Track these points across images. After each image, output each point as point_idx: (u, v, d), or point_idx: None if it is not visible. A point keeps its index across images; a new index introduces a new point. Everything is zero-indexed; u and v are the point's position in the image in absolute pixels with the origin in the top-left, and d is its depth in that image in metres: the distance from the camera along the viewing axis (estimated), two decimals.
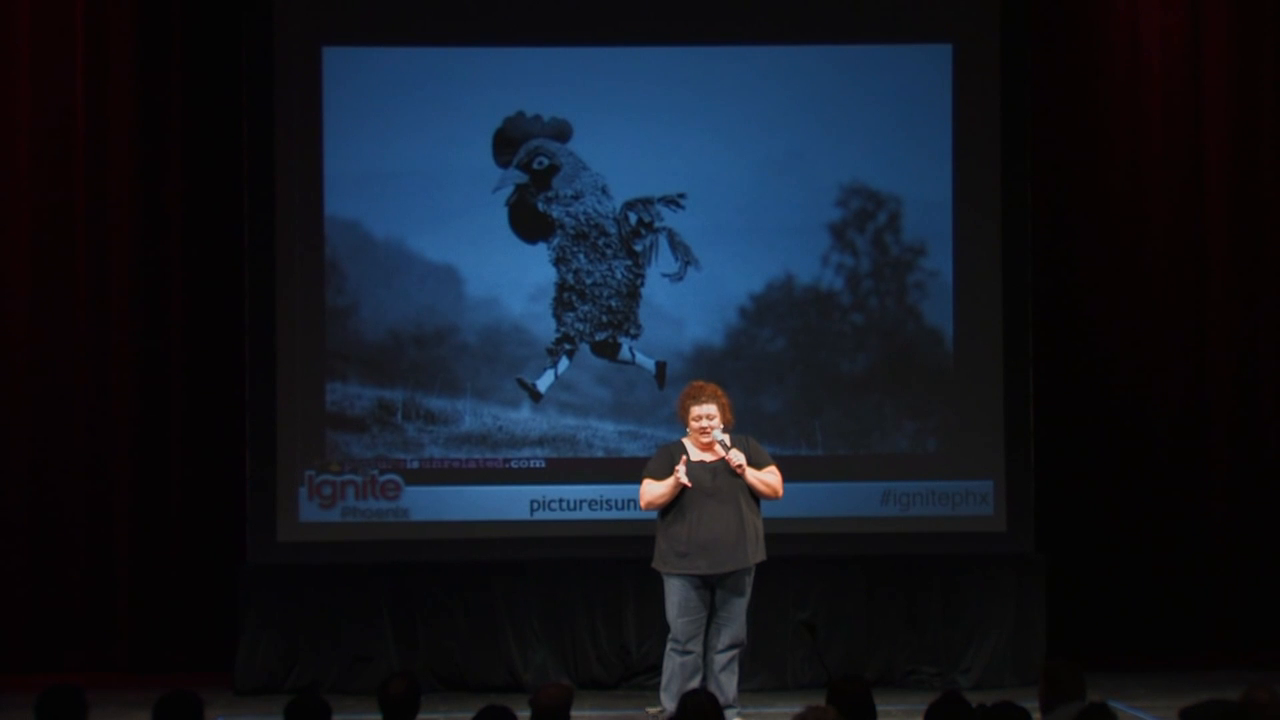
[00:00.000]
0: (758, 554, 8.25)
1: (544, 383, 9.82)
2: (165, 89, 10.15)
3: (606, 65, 9.86)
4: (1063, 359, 10.41)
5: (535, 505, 9.75)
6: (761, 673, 9.67)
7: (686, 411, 8.28)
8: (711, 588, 8.23)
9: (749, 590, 8.28)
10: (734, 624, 8.24)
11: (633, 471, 9.22)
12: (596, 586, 9.70)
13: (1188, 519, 10.48)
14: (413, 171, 9.78)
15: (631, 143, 9.82)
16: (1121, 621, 10.36)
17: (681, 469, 8.15)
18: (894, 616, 9.79)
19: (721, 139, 9.84)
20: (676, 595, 8.22)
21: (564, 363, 9.83)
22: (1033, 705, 5.67)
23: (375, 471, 9.73)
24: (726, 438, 8.24)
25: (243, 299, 9.77)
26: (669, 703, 8.16)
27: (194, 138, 10.15)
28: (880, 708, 5.68)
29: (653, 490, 8.25)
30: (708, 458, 8.24)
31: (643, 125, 9.81)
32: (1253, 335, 10.58)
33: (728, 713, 7.86)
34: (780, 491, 8.32)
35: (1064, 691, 5.70)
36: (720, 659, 8.25)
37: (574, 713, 5.90)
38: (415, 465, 9.76)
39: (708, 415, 8.21)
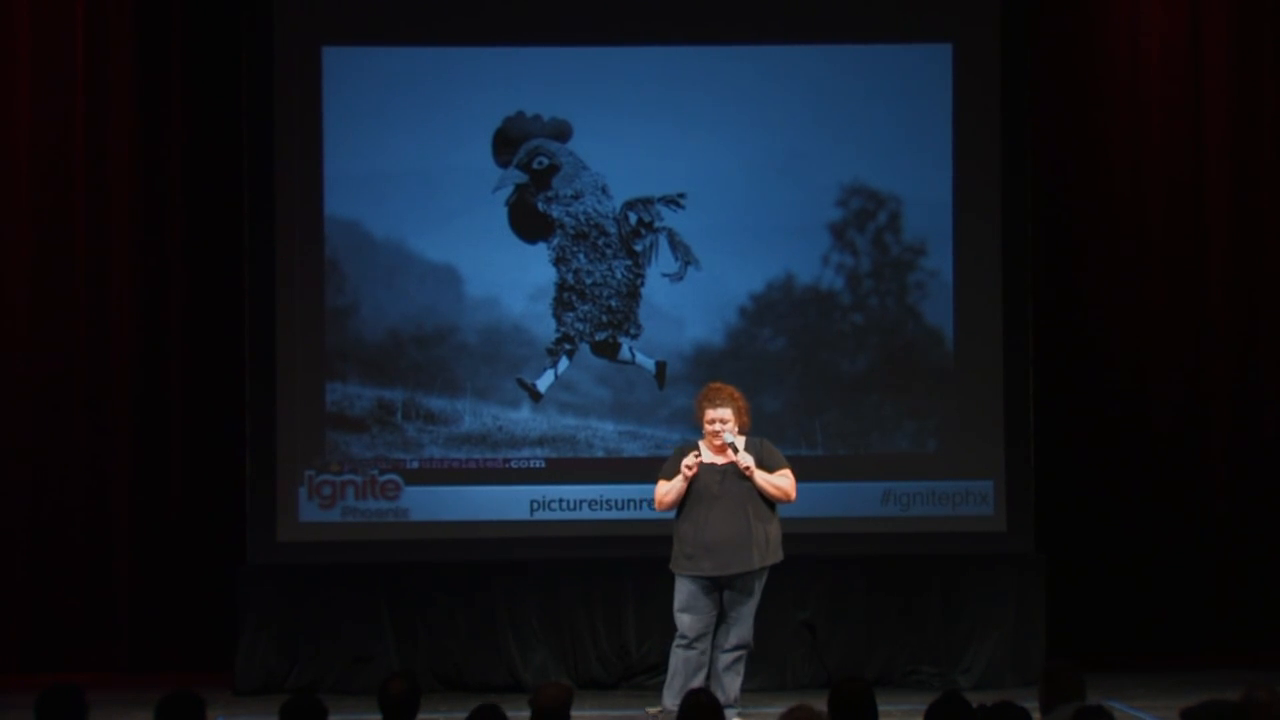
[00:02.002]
0: (767, 557, 8.26)
1: (544, 383, 9.82)
2: (165, 89, 10.15)
3: (606, 65, 9.86)
4: (1063, 359, 10.41)
5: (535, 505, 9.75)
6: (761, 673, 9.65)
7: (701, 413, 8.30)
8: (721, 589, 8.24)
9: (758, 593, 8.29)
10: (741, 625, 8.26)
11: (633, 471, 9.26)
12: (596, 586, 9.70)
13: (1187, 519, 10.48)
14: (413, 171, 9.79)
15: (631, 143, 9.83)
16: (1121, 621, 10.36)
17: (690, 460, 8.18)
18: (894, 616, 9.79)
19: (721, 139, 9.84)
20: (683, 594, 8.26)
21: (564, 363, 9.83)
22: (1033, 705, 5.66)
23: (375, 471, 9.73)
24: (740, 441, 8.26)
25: (243, 299, 9.77)
26: (670, 700, 8.18)
27: (194, 138, 10.14)
28: (880, 708, 5.67)
29: (661, 489, 8.30)
30: (719, 460, 8.25)
31: (643, 125, 9.81)
32: (1252, 335, 10.58)
33: (728, 712, 7.86)
34: (792, 495, 8.33)
35: (1064, 692, 5.70)
36: (725, 659, 8.27)
37: (574, 713, 5.90)
38: (415, 465, 9.76)
39: (721, 419, 8.23)
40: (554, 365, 9.82)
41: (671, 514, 8.37)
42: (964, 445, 9.84)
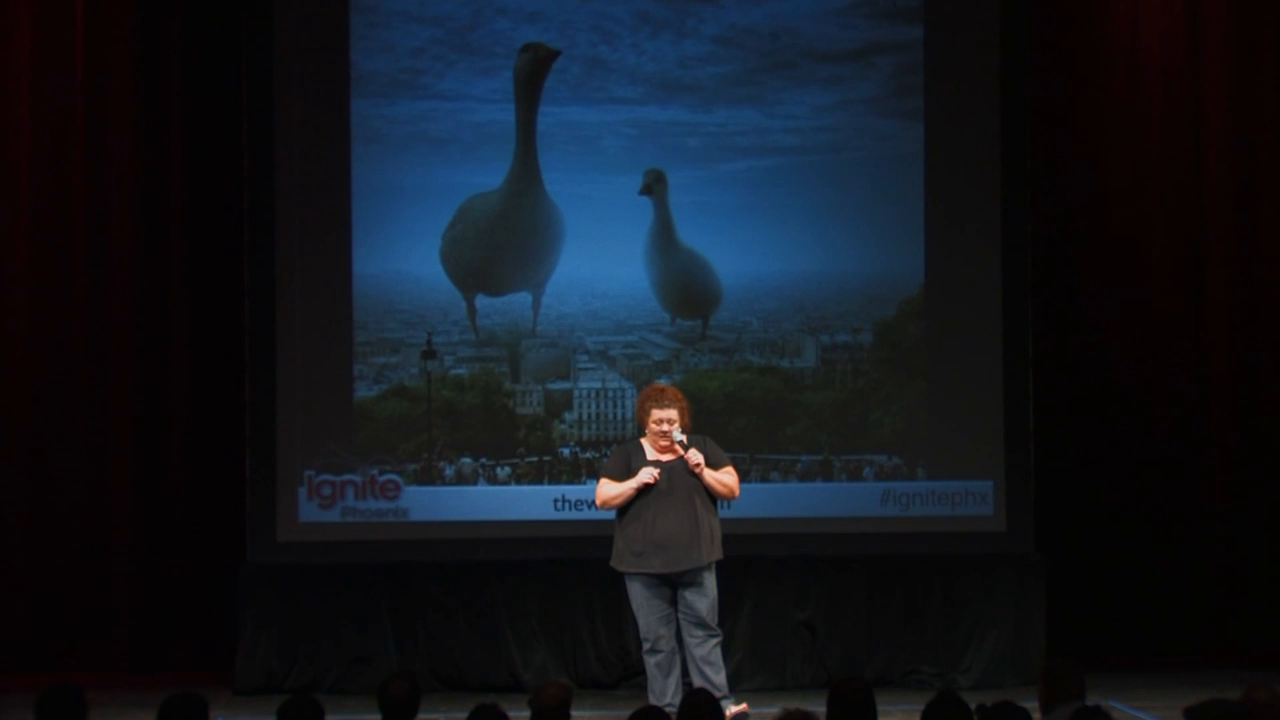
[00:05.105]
0: (714, 553, 8.37)
1: (548, 384, 9.83)
2: (165, 89, 10.15)
3: None
4: (1063, 359, 10.41)
5: (536, 506, 9.74)
6: (761, 673, 9.67)
7: (646, 414, 8.41)
8: (672, 585, 8.32)
9: (712, 586, 8.37)
10: (704, 619, 8.33)
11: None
12: (597, 586, 9.69)
13: (1188, 519, 10.48)
14: (413, 179, 9.79)
15: None
16: (1121, 621, 10.36)
17: (651, 470, 8.25)
18: (894, 616, 9.79)
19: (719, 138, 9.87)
20: (636, 595, 8.39)
21: (570, 362, 9.84)
22: (1033, 705, 5.67)
23: (375, 471, 9.73)
24: (684, 438, 8.32)
25: (243, 299, 9.77)
26: (654, 703, 8.23)
27: (194, 138, 10.14)
28: (880, 708, 5.68)
29: (611, 490, 8.38)
30: (664, 459, 8.34)
31: None
32: (1253, 335, 10.58)
33: (724, 703, 7.87)
34: (737, 492, 8.45)
35: (1064, 691, 5.71)
36: (700, 653, 8.34)
37: (574, 713, 5.91)
38: (415, 465, 9.76)
39: (668, 419, 8.33)
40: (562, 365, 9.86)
41: (610, 513, 8.48)
42: (964, 445, 9.84)
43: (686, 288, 9.91)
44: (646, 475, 8.29)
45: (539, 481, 9.76)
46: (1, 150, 10.08)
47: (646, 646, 8.38)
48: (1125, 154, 10.53)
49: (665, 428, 8.32)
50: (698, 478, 8.33)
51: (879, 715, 5.64)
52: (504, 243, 9.87)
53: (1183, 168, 10.53)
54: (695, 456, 8.30)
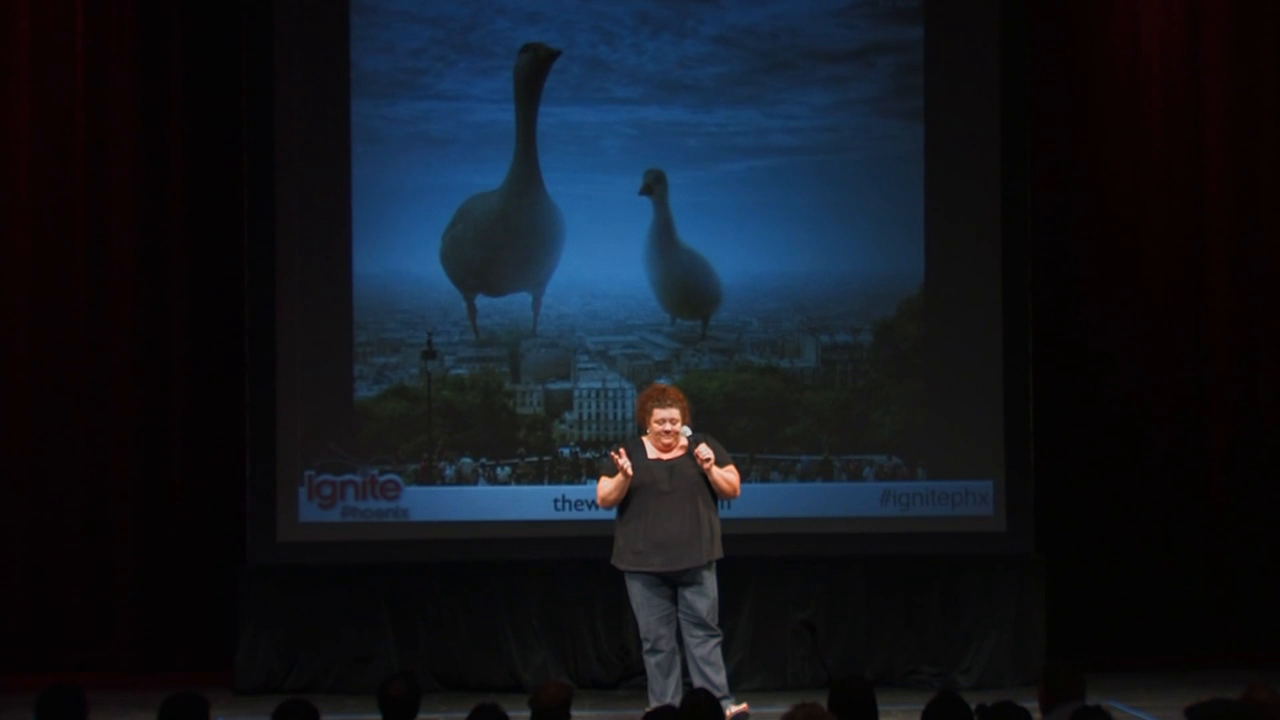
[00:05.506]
0: (714, 551, 8.35)
1: (548, 384, 9.83)
2: (165, 88, 10.15)
3: None
4: (1063, 359, 10.41)
5: (536, 506, 9.75)
6: (761, 673, 9.67)
7: (648, 414, 8.38)
8: (672, 585, 8.31)
9: (712, 586, 8.35)
10: (704, 619, 8.31)
11: None
12: (597, 586, 9.69)
13: (1187, 519, 10.48)
14: (414, 179, 9.79)
15: None
16: (1121, 621, 10.36)
17: (625, 461, 8.23)
18: (894, 616, 9.80)
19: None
20: (636, 594, 8.37)
21: (570, 362, 9.85)
22: (1033, 705, 5.67)
23: (375, 471, 9.73)
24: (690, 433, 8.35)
25: (243, 299, 9.77)
26: (654, 704, 8.23)
27: (194, 137, 10.15)
28: (880, 708, 5.68)
29: (604, 487, 8.36)
30: (665, 457, 8.33)
31: None
32: (1252, 335, 10.58)
33: (724, 703, 7.87)
34: (739, 491, 8.43)
35: (1064, 691, 5.71)
36: (699, 653, 8.33)
37: (574, 713, 5.91)
38: (415, 465, 9.76)
39: (671, 419, 8.31)
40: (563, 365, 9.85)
41: (610, 512, 8.47)
42: (964, 445, 9.84)
43: (686, 288, 9.91)
44: (626, 466, 8.26)
45: (539, 481, 9.77)
46: (1, 150, 10.08)
47: (647, 646, 8.38)
48: (1125, 154, 10.54)
49: (668, 427, 8.31)
50: (703, 475, 8.29)
51: (879, 715, 5.65)
52: (504, 243, 9.88)
53: (1183, 168, 10.53)
54: (706, 451, 8.27)
